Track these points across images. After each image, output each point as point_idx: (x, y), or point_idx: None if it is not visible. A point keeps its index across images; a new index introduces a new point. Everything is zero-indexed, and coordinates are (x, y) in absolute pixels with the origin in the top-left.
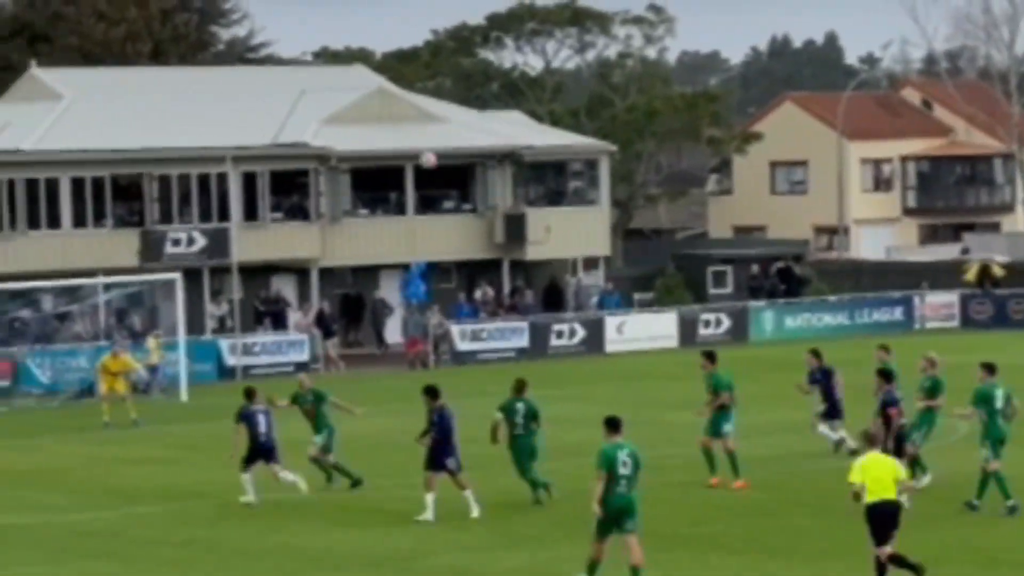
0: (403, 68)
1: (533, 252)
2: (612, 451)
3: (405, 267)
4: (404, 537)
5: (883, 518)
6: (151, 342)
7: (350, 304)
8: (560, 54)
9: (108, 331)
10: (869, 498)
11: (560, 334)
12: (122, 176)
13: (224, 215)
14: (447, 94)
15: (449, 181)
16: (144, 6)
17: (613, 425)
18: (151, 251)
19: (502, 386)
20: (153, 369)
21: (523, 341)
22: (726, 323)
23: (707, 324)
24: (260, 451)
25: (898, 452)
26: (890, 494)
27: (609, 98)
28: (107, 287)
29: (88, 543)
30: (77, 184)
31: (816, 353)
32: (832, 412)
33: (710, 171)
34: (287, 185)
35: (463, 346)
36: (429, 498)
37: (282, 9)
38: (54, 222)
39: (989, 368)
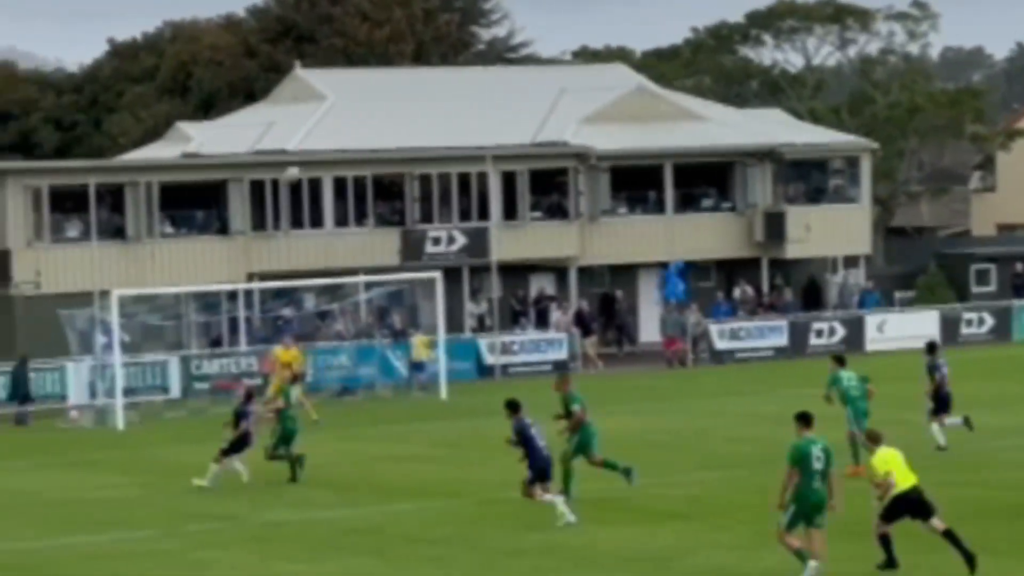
0: (662, 66)
1: (793, 250)
2: (806, 446)
3: (663, 266)
4: (663, 535)
5: (914, 504)
6: (418, 338)
7: (608, 303)
8: (821, 51)
9: (369, 330)
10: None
11: (820, 333)
12: (383, 176)
13: (484, 214)
14: (706, 92)
15: (709, 179)
16: (407, 7)
17: (805, 420)
18: (412, 250)
19: (760, 385)
20: (417, 366)
21: (782, 340)
22: (989, 322)
23: (969, 323)
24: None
25: None
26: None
27: (871, 95)
28: (368, 286)
29: (350, 540)
30: (339, 184)
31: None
32: None
33: (973, 168)
34: (546, 184)
35: (721, 345)
36: (558, 502)
37: (542, 8)
38: (317, 221)
39: None
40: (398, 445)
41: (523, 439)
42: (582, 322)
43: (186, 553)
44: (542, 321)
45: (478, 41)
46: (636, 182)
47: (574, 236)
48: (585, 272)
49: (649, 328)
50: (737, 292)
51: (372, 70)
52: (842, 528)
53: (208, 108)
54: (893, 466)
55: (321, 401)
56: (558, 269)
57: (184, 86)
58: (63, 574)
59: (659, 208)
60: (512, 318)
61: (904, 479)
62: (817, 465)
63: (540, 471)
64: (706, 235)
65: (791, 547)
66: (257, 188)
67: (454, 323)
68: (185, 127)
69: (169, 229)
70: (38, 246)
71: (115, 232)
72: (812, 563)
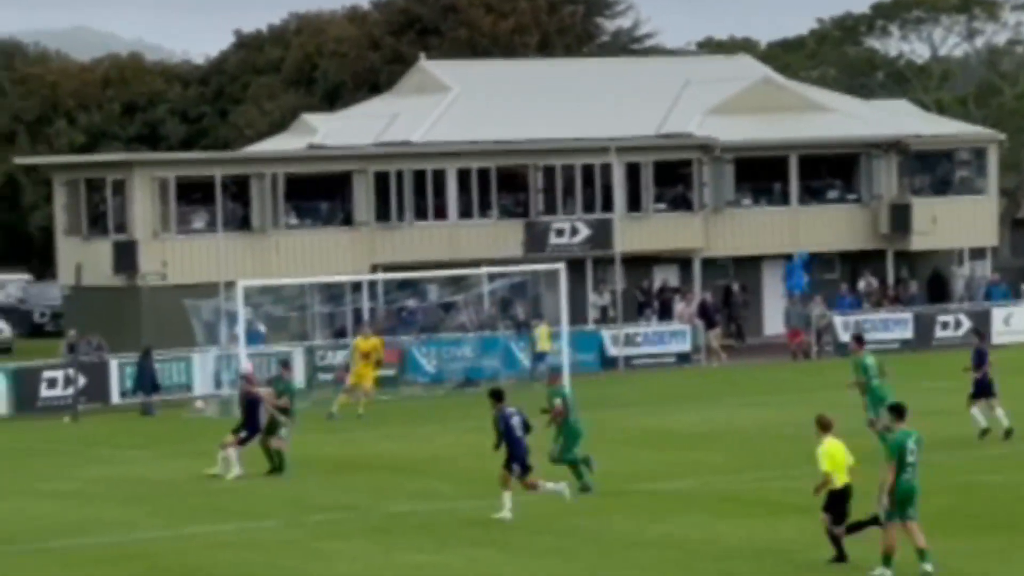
0: (788, 57)
1: (918, 242)
2: (902, 439)
3: (787, 257)
4: (786, 529)
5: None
6: (541, 330)
7: (732, 295)
8: (947, 41)
9: (492, 321)
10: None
11: (945, 325)
12: (508, 167)
13: (608, 206)
14: (832, 83)
15: (834, 171)
16: None
17: (900, 413)
18: (535, 241)
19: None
20: (540, 356)
21: (907, 332)
22: None
23: None
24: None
25: None
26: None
27: (998, 86)
28: (492, 277)
29: (473, 531)
30: (463, 175)
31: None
32: None
33: None
34: (671, 176)
35: (846, 337)
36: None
37: None
38: (441, 213)
39: None
40: None
41: (503, 429)
42: (706, 314)
43: (309, 543)
44: (665, 313)
45: (602, 32)
46: (760, 173)
47: (698, 228)
48: (709, 264)
49: (773, 320)
50: (862, 284)
51: (496, 61)
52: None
53: (333, 100)
54: (837, 463)
55: (444, 392)
56: (682, 260)
57: (309, 78)
58: (188, 563)
59: (783, 200)
60: (637, 310)
61: (842, 477)
62: (911, 458)
63: (519, 461)
64: (831, 227)
65: (886, 545)
66: (381, 179)
67: (577, 314)
68: (310, 119)
69: (294, 220)
70: (164, 237)
71: (240, 223)
72: (887, 572)
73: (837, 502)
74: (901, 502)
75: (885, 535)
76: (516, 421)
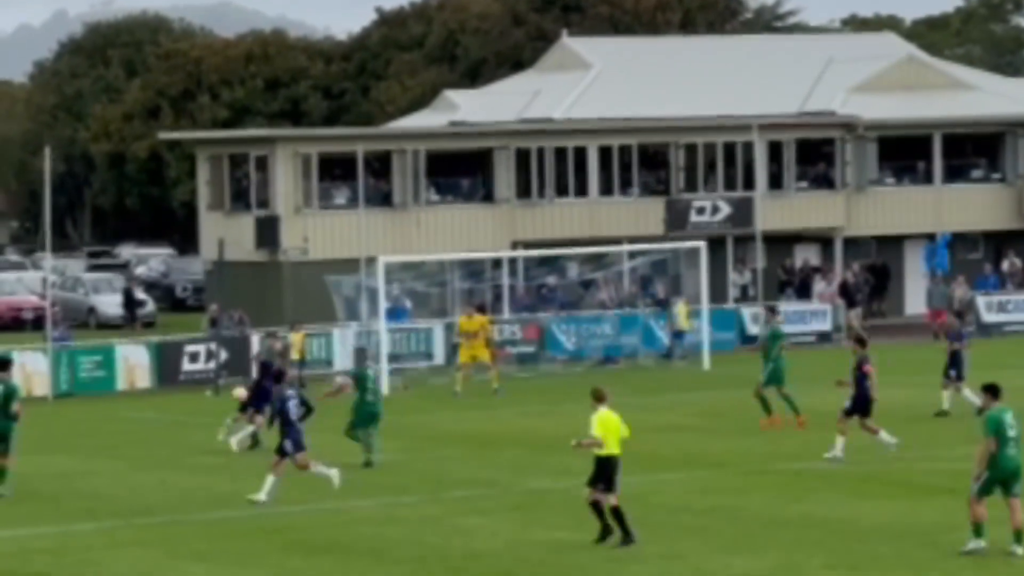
0: (933, 35)
1: None
2: (999, 415)
3: (930, 237)
4: (928, 511)
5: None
6: (680, 308)
7: (875, 274)
8: None
9: (632, 299)
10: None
11: None
12: (649, 145)
13: (749, 184)
14: (977, 61)
15: (978, 150)
16: None
17: (994, 392)
18: (676, 219)
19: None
20: (679, 335)
21: None
22: None
23: None
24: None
25: None
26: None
27: None
28: (632, 255)
29: None
30: (604, 152)
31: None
32: None
33: None
34: (813, 154)
35: (989, 317)
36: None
37: None
38: (581, 190)
39: None
40: (659, 415)
41: (279, 411)
42: (847, 293)
43: (449, 519)
44: (805, 291)
45: (745, 9)
46: (904, 152)
47: (840, 206)
48: (851, 243)
49: (915, 300)
50: (1005, 264)
51: (639, 38)
52: None
53: (475, 76)
54: (610, 431)
55: (583, 370)
56: (824, 239)
57: (451, 54)
58: (328, 537)
59: (927, 179)
60: (779, 288)
61: (612, 446)
62: (1011, 432)
63: (296, 443)
64: (974, 206)
65: (975, 515)
66: (523, 156)
67: (718, 293)
68: (452, 95)
69: (435, 196)
70: (306, 213)
71: (382, 199)
72: (981, 543)
73: (604, 468)
74: (1007, 477)
75: (977, 508)
76: (294, 404)
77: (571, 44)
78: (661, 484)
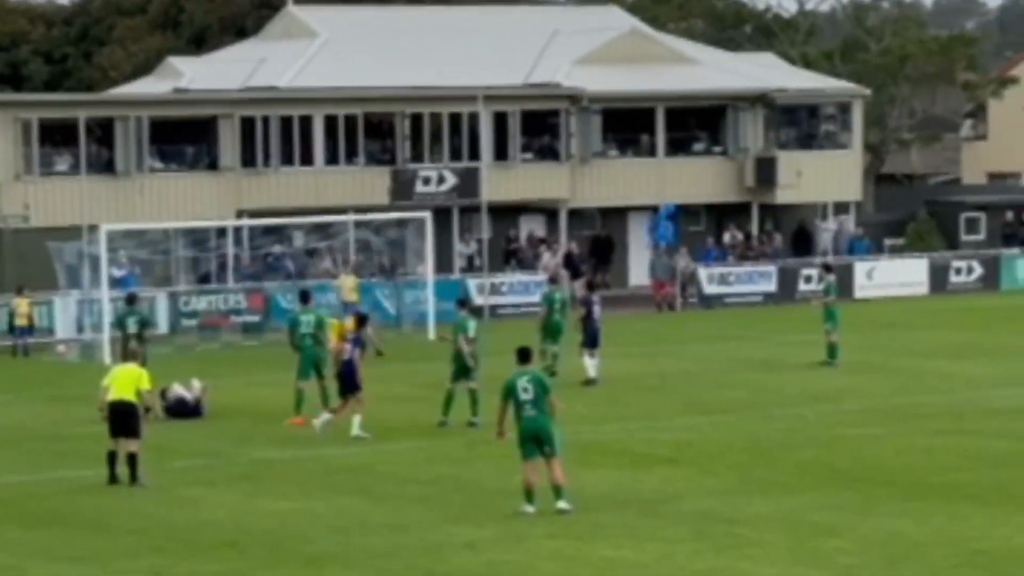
0: (656, 9)
1: (783, 196)
2: (514, 379)
3: (654, 209)
4: (649, 480)
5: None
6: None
7: (599, 245)
8: None
9: (357, 268)
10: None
11: (808, 279)
12: (374, 114)
13: (475, 155)
14: (699, 36)
15: (700, 123)
16: None
17: (523, 356)
18: (402, 189)
19: (748, 330)
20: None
21: (771, 285)
22: (978, 271)
23: (958, 271)
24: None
25: None
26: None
27: (863, 41)
28: (357, 224)
29: (338, 479)
30: (330, 122)
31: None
32: None
33: (964, 116)
34: (538, 125)
35: (710, 289)
36: None
37: None
38: (307, 159)
39: None
40: (384, 385)
41: None
42: (571, 264)
43: (173, 489)
44: (525, 263)
45: None
46: (628, 125)
47: (565, 178)
48: (576, 214)
49: (638, 271)
50: (727, 237)
51: (365, 7)
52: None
53: (199, 43)
54: (120, 383)
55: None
56: (549, 211)
57: (175, 20)
58: (49, 508)
59: (650, 151)
60: (504, 259)
61: (116, 394)
62: (524, 396)
63: None
64: (697, 179)
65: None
66: (248, 125)
67: (443, 264)
68: (176, 62)
69: (159, 164)
70: (27, 179)
71: (105, 166)
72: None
73: (117, 414)
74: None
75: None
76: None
77: (297, 12)
78: (387, 454)
